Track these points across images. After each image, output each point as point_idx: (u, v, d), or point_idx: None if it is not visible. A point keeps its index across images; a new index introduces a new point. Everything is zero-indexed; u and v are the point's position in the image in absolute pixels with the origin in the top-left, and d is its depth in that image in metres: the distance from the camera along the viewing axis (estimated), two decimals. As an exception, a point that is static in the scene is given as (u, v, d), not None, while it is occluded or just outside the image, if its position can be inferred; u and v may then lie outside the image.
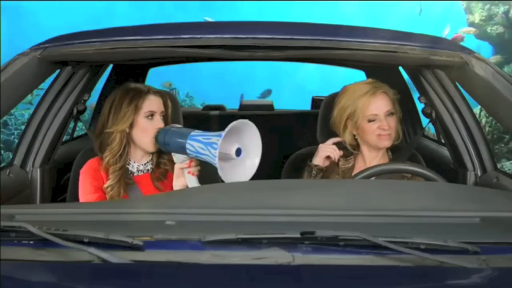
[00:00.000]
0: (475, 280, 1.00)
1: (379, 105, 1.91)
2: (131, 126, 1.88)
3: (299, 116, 3.75)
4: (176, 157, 1.74)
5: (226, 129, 1.55)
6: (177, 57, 2.27)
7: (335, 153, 1.95)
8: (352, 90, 1.96)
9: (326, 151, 1.95)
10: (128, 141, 1.89)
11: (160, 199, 1.42)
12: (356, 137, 1.98)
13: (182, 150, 1.67)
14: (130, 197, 1.86)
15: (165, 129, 1.76)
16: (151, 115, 1.87)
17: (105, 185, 1.85)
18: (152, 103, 1.88)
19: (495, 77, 1.57)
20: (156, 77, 3.56)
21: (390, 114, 1.92)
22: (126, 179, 1.87)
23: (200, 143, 1.60)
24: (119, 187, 1.84)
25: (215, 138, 1.56)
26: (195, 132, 1.65)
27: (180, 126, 1.81)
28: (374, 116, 1.91)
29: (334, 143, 1.98)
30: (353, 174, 1.95)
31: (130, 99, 1.87)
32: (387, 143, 1.93)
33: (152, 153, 1.95)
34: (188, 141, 1.64)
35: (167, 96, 1.95)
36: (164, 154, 1.94)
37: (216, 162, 1.54)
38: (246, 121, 1.62)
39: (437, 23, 6.87)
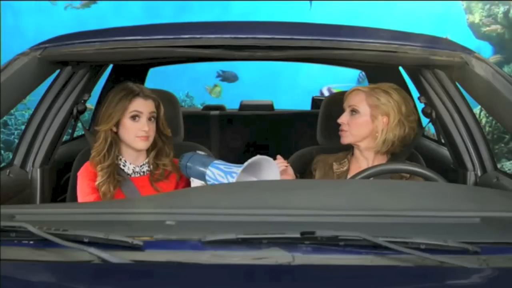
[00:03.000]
0: (475, 280, 1.00)
1: (348, 98, 1.95)
2: (117, 125, 1.90)
3: (299, 116, 3.75)
4: (194, 182, 1.75)
5: (248, 162, 1.57)
6: (177, 57, 2.27)
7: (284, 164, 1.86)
8: None
9: (279, 168, 1.80)
10: (116, 140, 1.91)
11: (160, 199, 1.42)
12: None
13: (202, 176, 1.68)
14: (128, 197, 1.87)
15: (188, 154, 1.77)
16: (136, 116, 1.88)
17: (96, 182, 1.86)
18: (140, 105, 1.89)
19: (495, 77, 1.57)
20: (157, 77, 3.56)
21: (353, 111, 1.92)
22: (116, 175, 1.88)
23: (221, 171, 1.62)
24: (109, 184, 1.85)
25: (236, 168, 1.59)
26: (218, 161, 1.68)
27: (204, 153, 1.82)
28: (344, 108, 1.95)
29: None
30: (348, 176, 1.95)
31: (119, 99, 1.89)
32: (342, 139, 1.94)
33: (148, 155, 1.95)
34: (210, 167, 1.65)
35: (160, 100, 1.95)
36: (162, 156, 1.95)
37: None
38: (269, 158, 1.64)
39: (437, 23, 6.86)
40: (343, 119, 1.93)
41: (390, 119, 1.89)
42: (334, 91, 5.59)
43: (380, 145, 1.91)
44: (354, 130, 1.92)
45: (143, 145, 1.90)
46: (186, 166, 1.73)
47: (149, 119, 1.90)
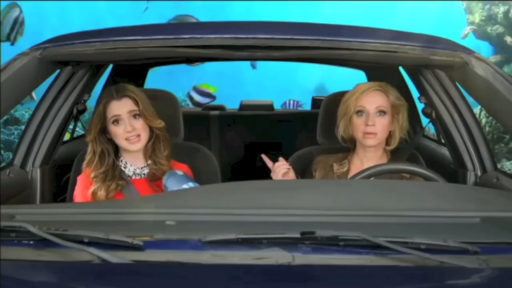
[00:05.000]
0: (475, 280, 1.00)
1: (371, 100, 1.91)
2: (106, 133, 1.89)
3: (299, 116, 3.75)
4: None
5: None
6: (177, 57, 2.27)
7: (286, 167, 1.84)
8: (357, 87, 1.97)
9: (282, 171, 1.82)
10: (108, 149, 1.89)
11: (160, 199, 1.42)
12: (351, 133, 1.97)
13: None
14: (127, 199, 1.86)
15: (169, 172, 1.75)
16: (117, 120, 1.86)
17: (90, 191, 1.85)
18: (115, 108, 1.86)
19: (495, 77, 1.57)
20: (157, 77, 3.56)
21: (381, 112, 1.90)
22: (109, 182, 1.86)
23: None
24: (102, 190, 1.83)
25: None
26: (190, 183, 1.66)
27: (182, 173, 1.78)
28: (362, 109, 1.90)
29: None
30: (348, 177, 1.94)
31: (96, 109, 1.89)
32: (371, 142, 1.90)
33: (146, 153, 1.94)
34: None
35: (137, 94, 1.88)
36: (159, 153, 1.92)
37: None
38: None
39: (437, 23, 6.86)
40: (372, 122, 1.88)
41: (401, 116, 1.94)
42: (202, 88, 5.93)
43: (395, 143, 1.94)
44: (383, 132, 1.91)
45: (135, 147, 1.87)
46: (165, 186, 1.72)
47: (133, 117, 1.86)
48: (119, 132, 1.86)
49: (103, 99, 1.88)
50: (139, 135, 1.86)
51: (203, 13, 6.82)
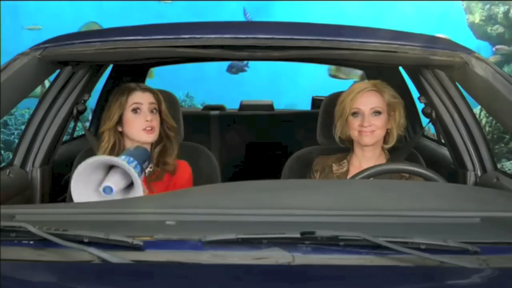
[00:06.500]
0: (475, 280, 1.00)
1: (365, 101, 1.92)
2: (121, 123, 1.90)
3: (299, 116, 3.75)
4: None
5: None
6: (177, 57, 2.27)
7: None
8: (352, 87, 1.97)
9: None
10: (120, 140, 1.91)
11: (160, 199, 1.42)
12: (348, 133, 1.98)
13: None
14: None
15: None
16: (137, 108, 1.89)
17: None
18: (138, 97, 1.91)
19: (495, 77, 1.57)
20: (157, 77, 3.56)
21: (376, 112, 1.91)
22: None
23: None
24: None
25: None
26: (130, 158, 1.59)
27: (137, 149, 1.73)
28: (357, 110, 1.91)
29: None
30: (348, 177, 1.95)
31: (117, 97, 1.91)
32: (367, 140, 1.91)
33: (153, 152, 1.94)
34: None
35: (159, 93, 1.97)
36: (166, 154, 1.93)
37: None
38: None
39: (437, 23, 6.86)
40: (368, 122, 1.90)
41: (398, 114, 1.95)
42: None
43: (392, 141, 1.96)
44: (379, 131, 1.92)
45: (149, 137, 1.89)
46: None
47: (151, 111, 1.90)
48: (137, 121, 1.88)
49: (125, 90, 1.92)
50: (153, 128, 1.89)
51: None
